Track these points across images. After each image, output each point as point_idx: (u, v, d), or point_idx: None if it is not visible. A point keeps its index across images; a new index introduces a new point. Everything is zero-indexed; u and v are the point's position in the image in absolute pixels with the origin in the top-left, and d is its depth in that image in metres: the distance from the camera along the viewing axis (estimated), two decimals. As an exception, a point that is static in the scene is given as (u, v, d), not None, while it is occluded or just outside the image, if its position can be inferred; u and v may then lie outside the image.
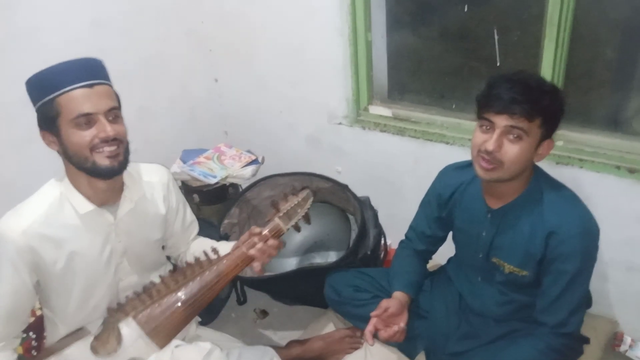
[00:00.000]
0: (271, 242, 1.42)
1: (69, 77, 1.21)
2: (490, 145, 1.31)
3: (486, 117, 1.33)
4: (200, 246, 1.62)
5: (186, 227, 1.62)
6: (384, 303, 1.55)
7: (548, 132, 1.33)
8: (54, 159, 1.33)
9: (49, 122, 1.24)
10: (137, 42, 2.25)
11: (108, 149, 1.25)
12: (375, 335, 1.52)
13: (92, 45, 2.03)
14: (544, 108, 1.28)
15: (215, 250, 1.46)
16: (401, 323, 1.52)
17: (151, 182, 1.48)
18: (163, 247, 1.62)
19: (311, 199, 1.52)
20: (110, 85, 1.30)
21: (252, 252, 1.40)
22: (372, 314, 1.54)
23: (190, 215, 1.64)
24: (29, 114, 1.27)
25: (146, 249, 1.49)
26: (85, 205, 1.32)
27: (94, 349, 1.34)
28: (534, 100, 1.28)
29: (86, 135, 1.23)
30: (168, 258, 1.68)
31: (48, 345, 1.46)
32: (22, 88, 1.25)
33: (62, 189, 1.32)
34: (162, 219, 1.51)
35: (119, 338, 1.34)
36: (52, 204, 1.30)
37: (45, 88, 1.21)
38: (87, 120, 1.22)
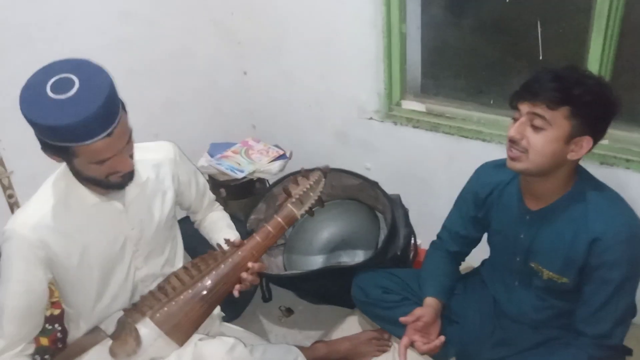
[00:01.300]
0: (250, 278, 1.38)
1: (90, 132, 1.11)
2: (511, 131, 1.28)
3: (515, 105, 1.29)
4: (212, 225, 1.64)
5: (201, 194, 1.61)
6: (418, 311, 1.49)
7: (583, 128, 1.23)
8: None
9: (61, 155, 1.18)
10: (165, 34, 2.23)
11: (123, 172, 1.25)
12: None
13: (119, 37, 2.03)
14: (571, 97, 1.21)
15: (228, 242, 1.41)
16: (441, 337, 1.46)
17: (156, 160, 1.44)
18: (187, 210, 1.66)
19: (323, 181, 1.45)
20: (123, 109, 1.21)
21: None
22: (403, 319, 1.48)
23: (203, 181, 1.62)
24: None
25: (160, 231, 1.46)
26: (92, 197, 1.29)
27: (113, 352, 1.31)
28: (559, 88, 1.21)
29: (104, 169, 1.20)
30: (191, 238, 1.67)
31: (66, 348, 1.44)
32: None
33: (67, 182, 1.28)
34: (173, 197, 1.48)
35: (137, 339, 1.31)
36: (59, 198, 1.28)
37: (61, 137, 1.12)
38: (107, 159, 1.19)
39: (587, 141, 1.25)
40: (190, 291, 1.36)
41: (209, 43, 2.43)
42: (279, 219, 1.39)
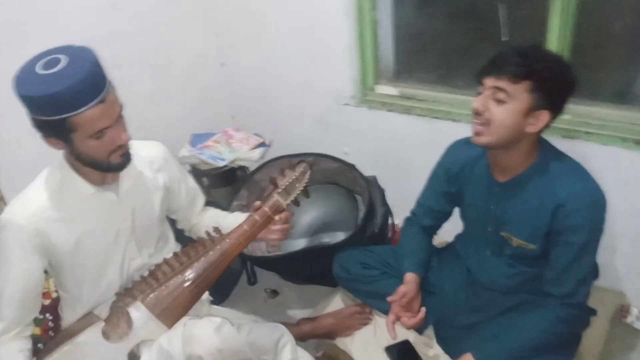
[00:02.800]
0: (278, 226, 1.45)
1: (83, 98, 1.16)
2: (475, 104, 1.34)
3: (481, 79, 1.35)
4: (213, 219, 1.65)
5: (192, 198, 1.64)
6: (402, 289, 1.56)
7: (542, 103, 1.30)
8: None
9: (60, 134, 1.22)
10: (146, 27, 2.26)
11: (123, 150, 1.30)
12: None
13: (102, 31, 2.05)
14: (532, 72, 1.28)
15: (217, 230, 1.46)
16: (423, 308, 1.53)
17: (148, 156, 1.49)
18: (175, 222, 1.66)
19: (309, 173, 1.50)
20: (110, 83, 1.26)
21: (247, 228, 1.41)
22: (390, 298, 1.55)
23: (193, 185, 1.65)
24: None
25: (152, 223, 1.51)
26: (87, 187, 1.34)
27: (106, 334, 1.36)
28: (522, 63, 1.28)
29: (104, 145, 1.25)
30: (182, 231, 1.71)
31: (60, 332, 1.48)
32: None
33: (62, 173, 1.33)
34: (164, 192, 1.52)
35: (129, 322, 1.36)
36: (55, 188, 1.32)
37: (56, 109, 1.16)
38: (104, 131, 1.23)
39: (544, 115, 1.32)
40: (180, 276, 1.40)
41: (188, 35, 2.46)
42: (266, 209, 1.43)
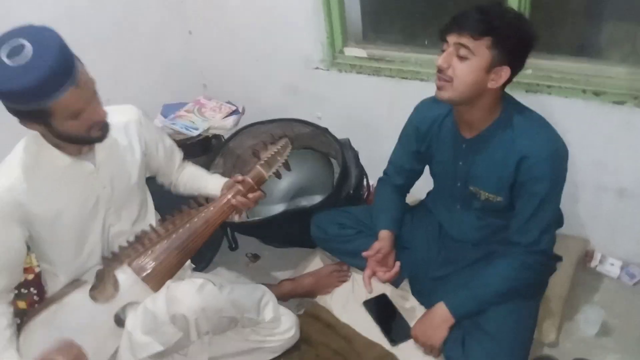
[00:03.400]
0: (252, 195, 1.49)
1: (55, 85, 1.16)
2: (439, 60, 1.38)
3: (444, 36, 1.38)
4: (192, 177, 1.70)
5: (169, 155, 1.67)
6: (377, 245, 1.62)
7: (503, 59, 1.33)
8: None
9: (37, 119, 1.22)
10: (103, 1, 2.22)
11: (101, 124, 1.32)
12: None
13: (58, 8, 2.01)
14: (492, 28, 1.31)
15: (202, 198, 1.53)
16: (397, 262, 1.60)
17: (122, 122, 1.50)
18: (157, 174, 1.70)
19: (289, 147, 1.59)
20: (78, 60, 1.25)
21: (234, 202, 1.48)
22: (365, 254, 1.61)
23: (169, 142, 1.68)
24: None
25: (131, 189, 1.53)
26: (64, 159, 1.35)
27: (93, 296, 1.41)
28: (481, 19, 1.31)
29: (83, 122, 1.26)
30: (161, 186, 1.75)
31: (47, 298, 1.52)
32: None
33: (38, 146, 1.34)
34: (142, 157, 1.54)
35: (115, 285, 1.41)
36: (32, 161, 1.33)
37: (29, 100, 1.16)
38: (81, 110, 1.24)
39: (505, 71, 1.36)
40: (165, 242, 1.46)
41: (152, 5, 2.43)
42: (249, 179, 1.50)
